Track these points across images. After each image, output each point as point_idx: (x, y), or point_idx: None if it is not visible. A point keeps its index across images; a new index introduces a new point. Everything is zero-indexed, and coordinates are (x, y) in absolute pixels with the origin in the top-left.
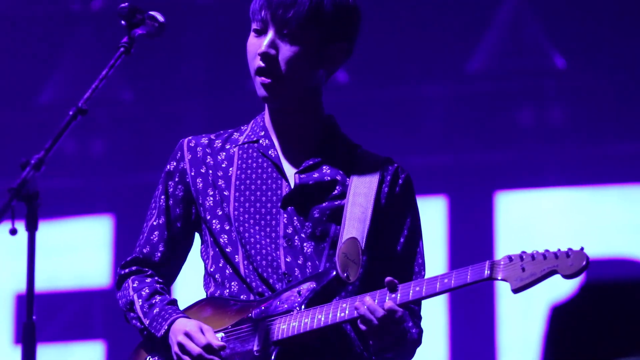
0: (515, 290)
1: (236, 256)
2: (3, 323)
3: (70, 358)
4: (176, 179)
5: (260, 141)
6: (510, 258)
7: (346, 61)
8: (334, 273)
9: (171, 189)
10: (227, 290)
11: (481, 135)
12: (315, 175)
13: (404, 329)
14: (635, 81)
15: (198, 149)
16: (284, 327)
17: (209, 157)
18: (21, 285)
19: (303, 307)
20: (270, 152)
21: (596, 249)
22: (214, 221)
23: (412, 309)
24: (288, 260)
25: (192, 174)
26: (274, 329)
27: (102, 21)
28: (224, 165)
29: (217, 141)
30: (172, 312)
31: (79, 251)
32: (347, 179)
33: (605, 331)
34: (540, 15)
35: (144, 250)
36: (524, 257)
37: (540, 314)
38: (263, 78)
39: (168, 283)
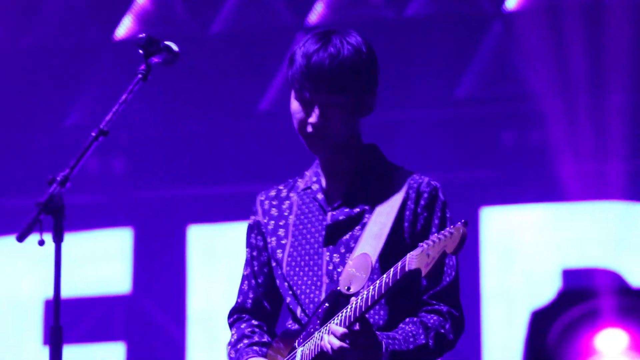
0: (425, 275)
1: (288, 298)
2: (33, 326)
3: (94, 358)
4: (255, 231)
5: (312, 186)
6: (420, 246)
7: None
8: (337, 288)
9: (253, 241)
10: (290, 325)
11: (467, 154)
12: (347, 209)
13: (375, 344)
14: (609, 102)
15: (266, 202)
16: (306, 352)
17: (274, 209)
18: (49, 292)
19: (321, 327)
20: (318, 195)
21: (574, 261)
22: (274, 265)
23: (421, 321)
24: None
25: (264, 223)
26: (304, 354)
27: (122, 51)
28: (285, 214)
29: (283, 190)
30: (245, 353)
31: (101, 261)
32: (377, 205)
33: (581, 333)
34: (520, 45)
35: (239, 300)
36: (428, 243)
37: (523, 319)
38: (313, 140)
39: (268, 323)
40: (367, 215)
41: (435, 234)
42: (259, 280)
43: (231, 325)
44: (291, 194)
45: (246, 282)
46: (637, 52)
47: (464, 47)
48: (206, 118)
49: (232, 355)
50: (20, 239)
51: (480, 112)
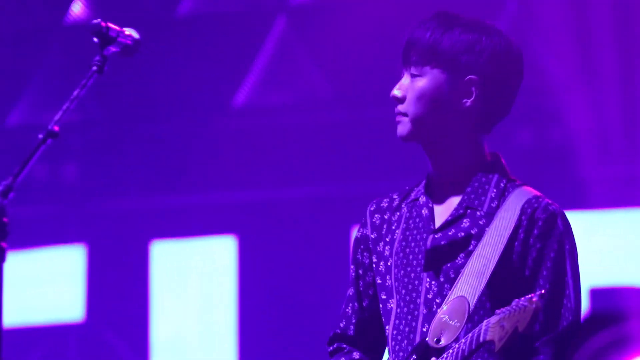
0: (498, 350)
1: (387, 327)
2: None
3: None
4: (362, 246)
5: (420, 198)
6: (497, 314)
7: (491, 98)
8: (426, 339)
9: (359, 257)
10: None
11: None
12: (451, 232)
13: None
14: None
15: (376, 214)
16: None
17: (384, 222)
18: None
19: None
20: (423, 210)
21: (602, 279)
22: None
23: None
24: (424, 330)
25: (373, 238)
26: None
27: (74, 38)
28: (393, 228)
29: (396, 200)
30: None
31: (50, 283)
32: (486, 229)
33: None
34: (538, 31)
35: (341, 325)
36: (504, 312)
37: None
38: (397, 117)
39: (373, 353)
40: (473, 242)
41: (515, 301)
42: (364, 304)
43: (331, 356)
44: (403, 205)
45: (350, 304)
46: None
47: None
48: (172, 117)
49: None
50: None
51: None
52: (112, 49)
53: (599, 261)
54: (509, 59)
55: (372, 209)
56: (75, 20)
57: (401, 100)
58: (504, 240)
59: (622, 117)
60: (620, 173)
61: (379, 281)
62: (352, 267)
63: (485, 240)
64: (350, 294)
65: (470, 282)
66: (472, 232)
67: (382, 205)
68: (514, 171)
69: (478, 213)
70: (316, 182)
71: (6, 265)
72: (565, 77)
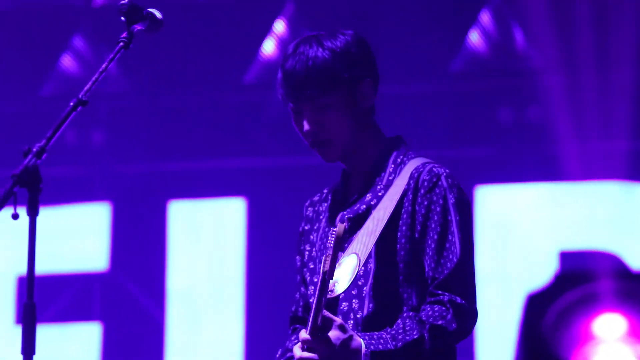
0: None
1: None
2: (5, 304)
3: (69, 338)
4: (303, 238)
5: (337, 187)
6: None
7: (377, 87)
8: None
9: (302, 247)
10: None
11: (462, 132)
12: (356, 207)
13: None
14: (613, 80)
15: (309, 208)
16: None
17: (314, 214)
18: (22, 268)
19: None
20: (337, 196)
21: (572, 243)
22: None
23: (416, 315)
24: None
25: (307, 230)
26: None
27: (103, 17)
28: (320, 217)
29: (325, 193)
30: None
31: (78, 236)
32: (381, 199)
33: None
34: (519, 17)
35: (292, 309)
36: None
37: (518, 302)
38: (320, 150)
39: None
40: (372, 211)
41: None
42: (308, 289)
43: (290, 335)
44: (329, 196)
45: (297, 290)
46: None
47: (460, 19)
48: (190, 90)
49: None
50: None
51: (476, 87)
52: (138, 27)
53: (570, 228)
54: (367, 46)
55: (307, 204)
56: (104, 2)
57: (318, 132)
58: (394, 203)
59: (597, 98)
60: (592, 149)
61: (312, 266)
62: (297, 257)
63: (379, 205)
64: (297, 280)
65: (363, 241)
66: (372, 203)
67: (314, 199)
68: (495, 146)
69: (379, 187)
70: None
71: (39, 219)
72: (543, 60)
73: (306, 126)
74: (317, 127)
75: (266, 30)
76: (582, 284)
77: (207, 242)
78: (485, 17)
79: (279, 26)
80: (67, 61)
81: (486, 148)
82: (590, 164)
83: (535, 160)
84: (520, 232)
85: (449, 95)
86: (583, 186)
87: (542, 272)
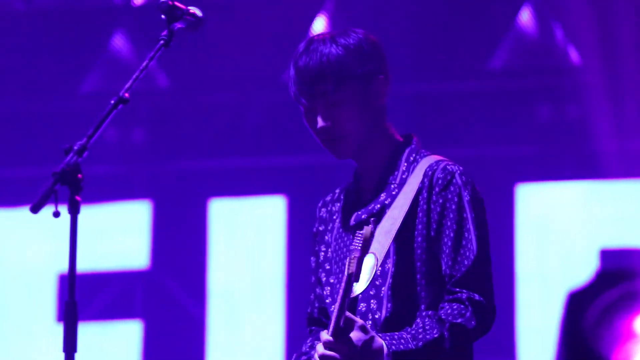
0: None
1: (332, 307)
2: (46, 302)
3: (110, 336)
4: (317, 239)
5: (349, 187)
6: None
7: (389, 86)
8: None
9: (316, 248)
10: None
11: (502, 130)
12: (371, 206)
13: (375, 344)
14: None
15: (322, 209)
16: None
17: (327, 214)
18: (64, 266)
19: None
20: (351, 196)
21: (613, 241)
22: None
23: (435, 314)
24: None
25: (321, 230)
26: None
27: (144, 15)
28: (334, 217)
29: (337, 192)
30: None
31: (119, 234)
32: (395, 198)
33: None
34: (559, 14)
35: (307, 310)
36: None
37: (559, 301)
38: (332, 146)
39: None
40: (386, 210)
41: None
42: (325, 290)
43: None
44: (342, 196)
45: (312, 291)
46: None
47: (498, 17)
48: (230, 88)
49: None
50: (35, 210)
51: (515, 84)
52: (178, 25)
53: (611, 226)
54: (378, 44)
55: (319, 204)
56: (144, 0)
57: (332, 128)
58: (409, 202)
59: (636, 95)
60: (632, 147)
61: (327, 267)
62: (312, 258)
63: (394, 204)
64: (312, 281)
65: (380, 240)
66: (387, 202)
67: (327, 199)
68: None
69: (392, 186)
70: None
71: (80, 217)
72: (583, 58)
73: (320, 122)
74: (331, 123)
75: (306, 28)
76: (622, 282)
77: (248, 240)
78: (524, 15)
79: (319, 24)
80: (108, 59)
81: (526, 146)
82: (630, 162)
83: (575, 158)
84: (561, 231)
85: (488, 93)
86: (623, 184)
87: (582, 271)
